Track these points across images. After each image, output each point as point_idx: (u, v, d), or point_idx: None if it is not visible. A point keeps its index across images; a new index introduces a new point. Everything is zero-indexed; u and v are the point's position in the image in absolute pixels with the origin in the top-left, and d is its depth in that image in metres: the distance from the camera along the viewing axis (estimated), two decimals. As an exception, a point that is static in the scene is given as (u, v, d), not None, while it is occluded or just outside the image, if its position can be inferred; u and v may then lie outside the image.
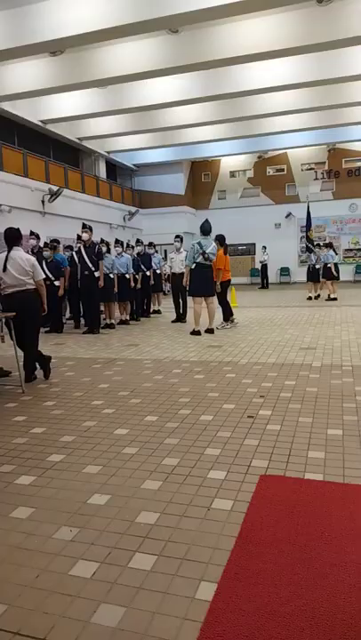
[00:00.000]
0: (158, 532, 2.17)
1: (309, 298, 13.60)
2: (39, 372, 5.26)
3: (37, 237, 9.55)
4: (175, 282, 9.76)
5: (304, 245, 15.09)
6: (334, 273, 13.03)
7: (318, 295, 13.84)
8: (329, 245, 13.78)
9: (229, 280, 8.91)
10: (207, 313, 8.03)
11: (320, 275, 13.59)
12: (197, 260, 7.89)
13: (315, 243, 15.07)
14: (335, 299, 13.04)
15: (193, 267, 7.95)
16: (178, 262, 9.67)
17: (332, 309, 10.98)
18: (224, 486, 2.57)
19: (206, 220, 8.23)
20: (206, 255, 7.88)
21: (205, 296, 8.04)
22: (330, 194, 21.27)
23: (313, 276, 13.69)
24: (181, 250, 9.77)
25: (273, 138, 19.13)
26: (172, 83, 13.14)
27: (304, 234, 15.61)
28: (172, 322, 9.76)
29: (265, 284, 19.83)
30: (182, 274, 8.93)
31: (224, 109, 15.35)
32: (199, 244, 7.91)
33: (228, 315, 8.71)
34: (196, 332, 7.86)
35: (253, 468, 2.77)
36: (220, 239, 8.63)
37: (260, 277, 20.07)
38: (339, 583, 1.78)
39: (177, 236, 10.07)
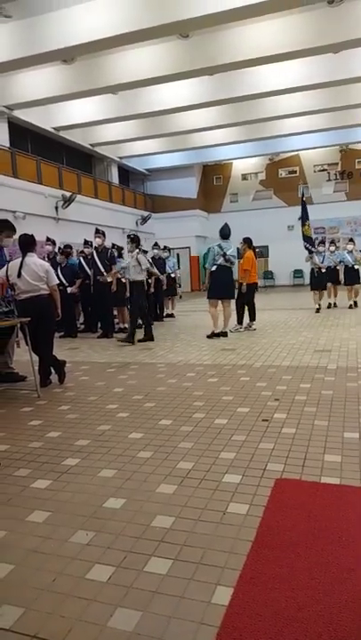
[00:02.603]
0: (174, 536, 2.17)
1: (318, 310, 10.89)
2: (54, 377, 5.29)
3: (53, 243, 9.65)
4: (133, 291, 8.07)
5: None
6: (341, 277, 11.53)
7: (335, 304, 11.61)
8: (351, 241, 11.95)
9: (256, 283, 8.90)
10: (223, 316, 8.00)
11: (335, 278, 11.51)
12: (218, 262, 7.79)
13: (317, 240, 12.06)
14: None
15: (213, 269, 7.86)
16: (132, 268, 7.98)
17: (346, 311, 10.87)
18: (239, 490, 2.55)
19: (226, 224, 8.14)
20: (227, 257, 7.81)
21: (225, 299, 8.00)
22: (343, 195, 21.12)
23: (318, 281, 11.11)
24: (134, 254, 8.00)
25: (284, 140, 19.08)
26: (183, 87, 13.19)
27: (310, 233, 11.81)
28: (140, 341, 7.87)
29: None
30: (141, 282, 7.97)
31: (235, 112, 15.36)
32: (219, 246, 7.85)
33: (251, 317, 8.70)
34: (216, 335, 7.82)
35: (269, 472, 2.75)
36: (248, 241, 8.63)
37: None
38: (357, 588, 1.76)
39: (128, 236, 8.57)
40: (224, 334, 7.91)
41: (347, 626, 1.59)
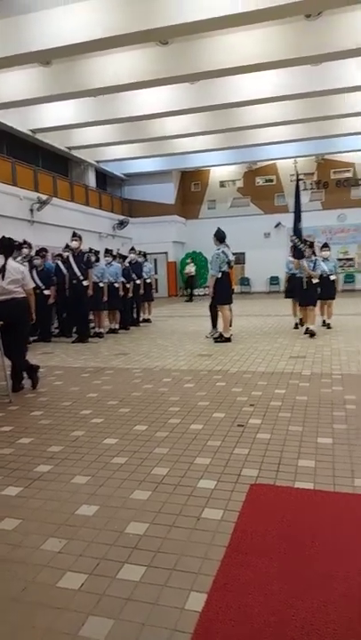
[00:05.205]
0: (148, 542, 2.15)
1: (298, 326, 9.16)
2: (27, 382, 5.21)
3: (30, 246, 9.52)
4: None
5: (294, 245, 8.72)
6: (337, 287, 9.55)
7: (328, 325, 9.32)
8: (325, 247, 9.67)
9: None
10: (228, 320, 8.03)
11: (324, 291, 8.88)
12: (223, 269, 7.91)
13: (307, 241, 8.77)
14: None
15: (220, 276, 7.91)
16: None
17: (321, 319, 11.02)
18: (214, 496, 2.55)
19: (219, 228, 8.22)
20: (232, 264, 8.01)
21: (230, 303, 8.12)
22: (319, 204, 21.49)
23: (309, 294, 8.34)
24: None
25: (262, 149, 19.31)
26: (163, 93, 13.23)
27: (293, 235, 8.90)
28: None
29: (191, 298, 18.95)
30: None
31: (214, 120, 15.47)
32: (224, 252, 7.92)
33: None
34: (228, 339, 7.85)
35: (243, 477, 2.76)
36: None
37: (189, 289, 19.36)
38: (329, 592, 1.77)
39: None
40: (228, 340, 7.90)
41: (320, 629, 1.59)
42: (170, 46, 10.70)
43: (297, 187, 9.34)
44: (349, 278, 21.26)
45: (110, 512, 2.43)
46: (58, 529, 2.29)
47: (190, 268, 19.24)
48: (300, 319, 9.04)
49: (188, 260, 19.67)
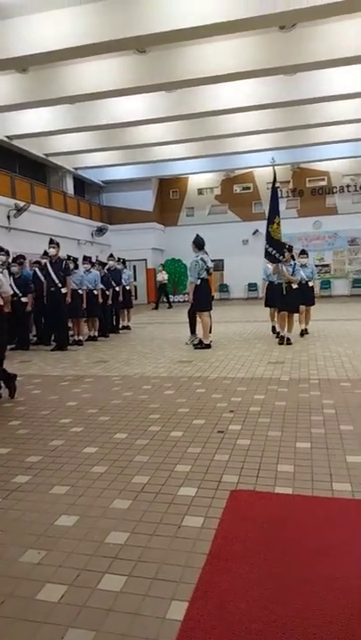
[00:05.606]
0: (128, 551, 2.14)
1: (279, 334, 8.42)
2: (4, 391, 5.13)
3: (7, 253, 9.40)
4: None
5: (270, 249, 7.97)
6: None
7: (306, 330, 9.19)
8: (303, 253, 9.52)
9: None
10: (208, 327, 8.07)
11: (310, 297, 9.01)
12: (203, 276, 7.96)
13: (286, 245, 8.16)
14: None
15: (199, 282, 7.96)
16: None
17: (298, 325, 11.15)
18: (195, 503, 2.55)
19: (198, 235, 8.25)
20: (211, 270, 8.06)
21: (210, 310, 8.20)
22: (295, 212, 21.81)
23: (289, 301, 7.88)
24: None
25: (239, 157, 19.52)
26: (141, 101, 13.28)
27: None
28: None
29: (158, 305, 18.74)
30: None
31: (192, 128, 15.59)
32: (202, 259, 7.96)
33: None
34: (207, 346, 7.87)
35: (224, 484, 2.76)
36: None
37: (157, 297, 19.16)
38: (309, 597, 1.79)
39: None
40: (207, 346, 7.91)
41: (300, 634, 1.60)
42: (147, 55, 10.77)
43: (274, 182, 8.40)
44: (326, 284, 21.60)
45: (90, 522, 2.40)
46: (37, 540, 2.25)
47: (162, 276, 18.80)
48: (277, 326, 8.75)
49: (160, 268, 19.32)
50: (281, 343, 7.87)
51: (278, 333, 8.51)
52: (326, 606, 1.73)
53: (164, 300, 18.99)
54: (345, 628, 1.62)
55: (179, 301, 19.56)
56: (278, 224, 7.95)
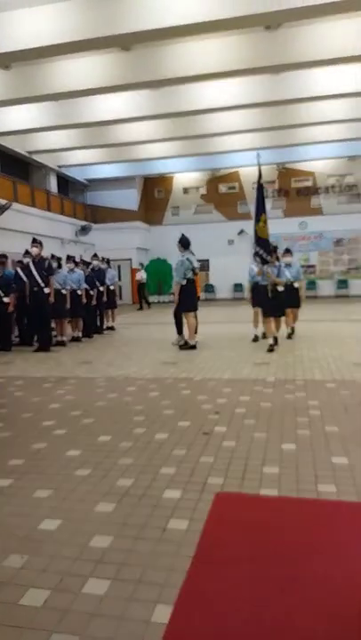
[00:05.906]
0: (112, 555, 2.12)
1: (257, 339, 8.57)
2: (-13, 392, 5.07)
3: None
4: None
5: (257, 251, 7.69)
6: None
7: (293, 331, 9.03)
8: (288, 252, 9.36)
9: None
10: (193, 327, 8.04)
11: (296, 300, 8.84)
12: (188, 276, 7.91)
13: (271, 245, 7.80)
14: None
15: (184, 283, 7.91)
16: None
17: (283, 326, 11.20)
18: (180, 506, 2.54)
19: (183, 235, 8.21)
20: (196, 270, 8.01)
21: (195, 310, 8.13)
22: (280, 212, 21.92)
23: (276, 304, 7.67)
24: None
25: (225, 156, 19.55)
26: (125, 99, 13.21)
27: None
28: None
29: (142, 305, 18.61)
30: None
31: (177, 127, 15.56)
32: (188, 260, 7.92)
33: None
34: (193, 347, 7.84)
35: (209, 486, 2.75)
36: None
37: (138, 298, 18.98)
38: (295, 599, 1.79)
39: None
40: (193, 347, 7.88)
41: (287, 636, 1.60)
42: (132, 52, 10.72)
43: (259, 178, 8.22)
44: (311, 285, 21.76)
45: (74, 525, 2.38)
46: (20, 544, 2.22)
47: (141, 275, 18.57)
48: (263, 333, 8.37)
49: (138, 267, 19.09)
50: (271, 350, 7.44)
51: (257, 337, 8.51)
52: (313, 608, 1.73)
53: (144, 299, 18.91)
54: (332, 630, 1.63)
55: (164, 302, 19.51)
56: (265, 222, 7.70)
